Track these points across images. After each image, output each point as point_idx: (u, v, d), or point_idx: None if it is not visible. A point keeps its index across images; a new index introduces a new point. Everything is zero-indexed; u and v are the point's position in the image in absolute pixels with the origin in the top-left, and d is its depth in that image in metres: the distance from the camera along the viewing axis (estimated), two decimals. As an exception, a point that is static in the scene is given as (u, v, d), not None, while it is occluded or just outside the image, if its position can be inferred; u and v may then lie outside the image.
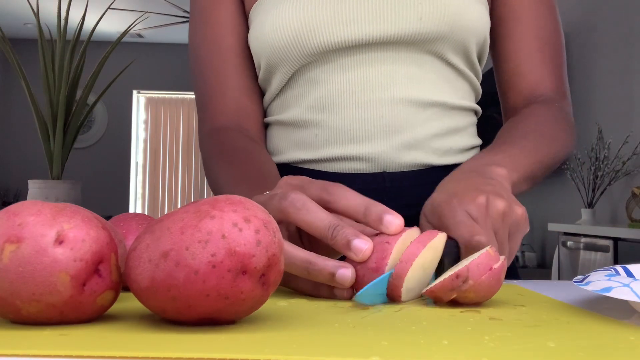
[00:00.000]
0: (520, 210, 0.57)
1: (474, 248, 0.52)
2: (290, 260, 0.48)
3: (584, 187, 3.28)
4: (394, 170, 0.77)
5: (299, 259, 0.48)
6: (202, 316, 0.36)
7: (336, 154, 0.77)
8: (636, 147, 2.98)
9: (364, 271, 0.48)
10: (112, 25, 5.97)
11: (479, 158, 0.68)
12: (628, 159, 3.02)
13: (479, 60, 0.83)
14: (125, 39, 6.41)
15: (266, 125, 0.86)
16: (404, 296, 0.47)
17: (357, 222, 0.51)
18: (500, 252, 0.55)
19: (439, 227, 0.56)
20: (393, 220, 0.48)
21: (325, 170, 0.78)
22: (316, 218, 0.49)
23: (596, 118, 3.40)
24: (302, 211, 0.49)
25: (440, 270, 0.52)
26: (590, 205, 3.22)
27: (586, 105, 3.54)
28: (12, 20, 5.97)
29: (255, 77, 0.85)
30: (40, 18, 1.62)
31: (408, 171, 0.77)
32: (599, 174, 3.18)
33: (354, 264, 0.48)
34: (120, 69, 1.77)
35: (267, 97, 0.84)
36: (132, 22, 1.75)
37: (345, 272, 0.47)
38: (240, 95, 0.82)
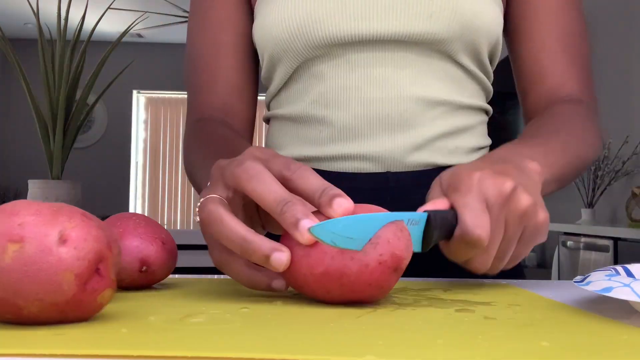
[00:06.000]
0: (543, 216, 0.52)
1: (469, 241, 0.48)
2: (226, 233, 0.45)
3: (584, 187, 3.28)
4: (398, 170, 0.74)
5: (235, 233, 0.45)
6: (356, 299, 0.45)
7: (340, 152, 0.75)
8: (636, 147, 2.99)
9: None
10: (112, 25, 5.96)
11: (510, 148, 0.61)
12: (628, 159, 3.02)
13: (491, 61, 0.80)
14: (125, 39, 6.39)
15: (267, 120, 0.85)
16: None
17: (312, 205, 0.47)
18: (504, 251, 0.51)
19: (447, 197, 0.51)
20: (342, 202, 0.45)
21: (328, 169, 0.76)
22: (268, 190, 0.45)
23: (596, 118, 3.40)
24: (254, 180, 0.46)
25: (428, 240, 0.49)
26: (590, 205, 3.23)
27: (586, 105, 3.54)
28: (12, 20, 5.97)
29: (251, 77, 0.84)
30: (40, 18, 1.62)
31: (413, 171, 0.74)
32: (599, 173, 3.19)
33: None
34: (120, 69, 1.77)
35: (270, 91, 0.82)
36: (132, 22, 1.76)
37: (280, 256, 0.44)
38: (229, 93, 0.81)
